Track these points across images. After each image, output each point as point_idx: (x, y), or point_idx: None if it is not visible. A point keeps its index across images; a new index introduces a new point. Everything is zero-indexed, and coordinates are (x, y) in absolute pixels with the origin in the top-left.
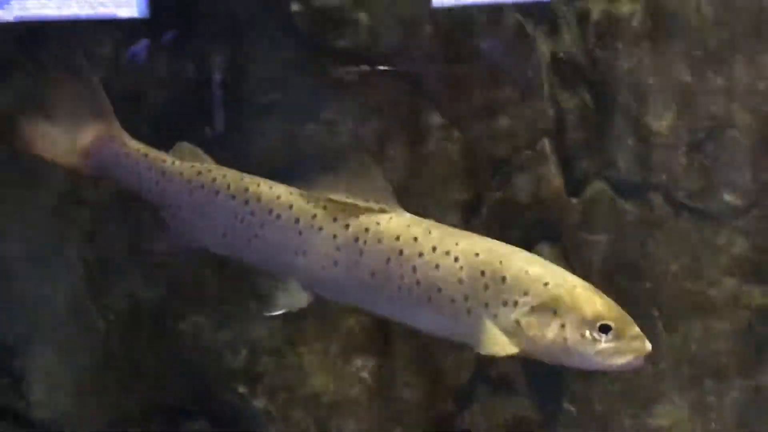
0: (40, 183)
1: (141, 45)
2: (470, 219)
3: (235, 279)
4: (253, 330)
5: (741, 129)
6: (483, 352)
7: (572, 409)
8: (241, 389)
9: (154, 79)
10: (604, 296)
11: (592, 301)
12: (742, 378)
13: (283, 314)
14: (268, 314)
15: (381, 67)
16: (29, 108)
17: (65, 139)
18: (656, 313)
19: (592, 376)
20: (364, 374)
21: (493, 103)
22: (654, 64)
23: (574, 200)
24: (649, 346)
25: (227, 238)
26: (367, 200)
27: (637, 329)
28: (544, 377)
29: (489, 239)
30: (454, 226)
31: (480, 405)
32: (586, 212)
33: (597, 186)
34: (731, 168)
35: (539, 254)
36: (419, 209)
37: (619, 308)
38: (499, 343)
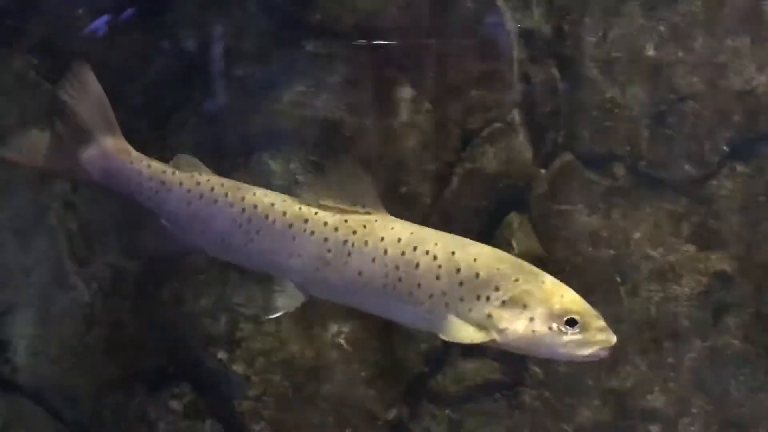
0: None
1: (102, 20)
2: (442, 189)
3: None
4: (232, 297)
5: (701, 101)
6: (447, 338)
7: (538, 371)
8: (221, 355)
9: (132, 53)
10: (572, 291)
11: (559, 295)
12: (700, 340)
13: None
14: (267, 317)
15: (358, 42)
16: (37, 122)
17: (71, 152)
18: (618, 279)
19: None
20: (340, 340)
21: (464, 76)
22: (619, 39)
23: (542, 171)
24: (614, 338)
25: (225, 243)
26: (354, 205)
27: (602, 322)
28: None
29: (464, 239)
30: (426, 195)
31: (451, 368)
32: (554, 183)
33: (564, 157)
34: (691, 139)
35: (509, 224)
36: (392, 179)
37: (586, 303)
38: (464, 333)
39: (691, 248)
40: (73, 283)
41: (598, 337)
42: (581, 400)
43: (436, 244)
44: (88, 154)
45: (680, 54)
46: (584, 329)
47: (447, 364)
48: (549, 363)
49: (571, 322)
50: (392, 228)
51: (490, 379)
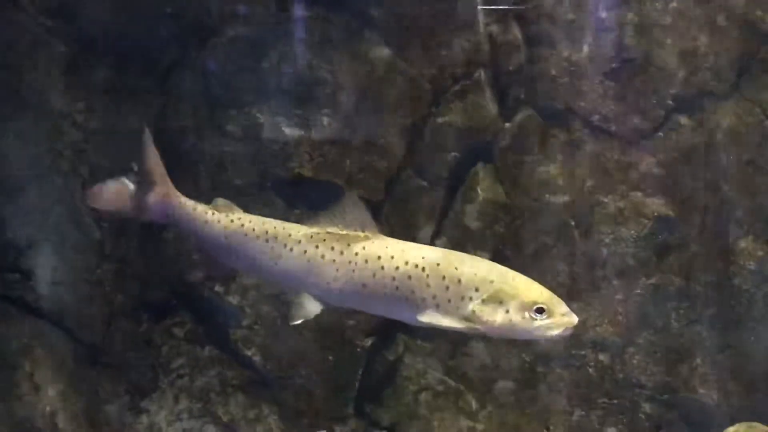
0: (37, 109)
1: None
2: (415, 142)
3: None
4: None
5: (649, 60)
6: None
7: None
8: (218, 288)
9: (135, 17)
10: (537, 284)
11: (528, 290)
12: (645, 277)
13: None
14: (291, 323)
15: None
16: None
17: (142, 199)
18: (573, 223)
19: None
20: None
21: (435, 37)
22: (575, 1)
23: (506, 125)
24: (575, 319)
25: (255, 267)
26: (355, 230)
27: (565, 308)
28: None
29: (447, 250)
30: (400, 147)
31: None
32: (516, 136)
33: (526, 112)
34: (640, 95)
35: (476, 173)
36: (370, 135)
37: (551, 293)
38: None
39: (638, 194)
40: (85, 222)
41: (563, 320)
42: None
43: (423, 257)
44: (152, 201)
45: (630, 16)
46: (551, 315)
47: None
48: None
49: (540, 310)
50: (387, 247)
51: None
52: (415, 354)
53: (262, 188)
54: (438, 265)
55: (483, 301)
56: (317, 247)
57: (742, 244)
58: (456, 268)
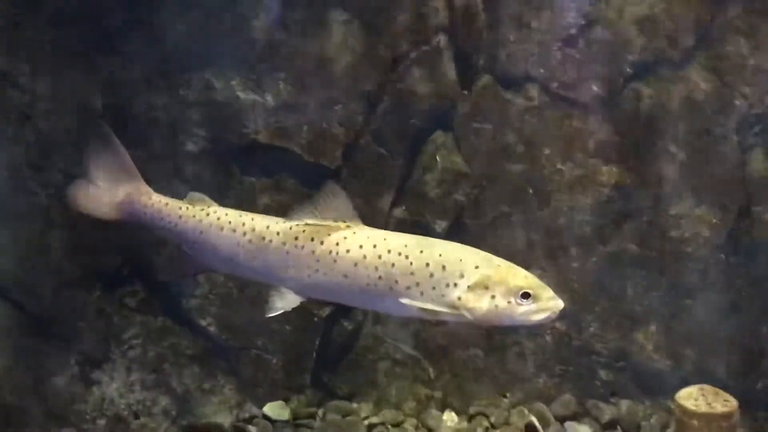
0: None
1: None
2: (373, 109)
3: (162, 160)
4: None
5: (607, 27)
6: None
7: None
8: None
9: None
10: (522, 270)
11: (513, 275)
12: (602, 245)
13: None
14: (268, 315)
15: None
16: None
17: (106, 199)
18: (531, 191)
19: (474, 245)
20: None
21: (394, 2)
22: None
23: (465, 92)
24: (561, 303)
25: (233, 262)
26: (336, 220)
27: (550, 292)
28: None
29: (429, 238)
30: (360, 113)
31: None
32: (475, 103)
33: (484, 79)
34: (598, 62)
35: (434, 141)
36: (327, 100)
37: (535, 278)
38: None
39: (596, 162)
40: (30, 188)
41: (548, 304)
42: None
43: (406, 245)
44: (119, 200)
45: None
46: (536, 299)
47: None
48: None
49: (525, 296)
50: (368, 237)
51: None
52: (375, 323)
53: (216, 154)
54: (421, 252)
55: (468, 287)
56: (296, 238)
57: (697, 212)
58: (440, 255)
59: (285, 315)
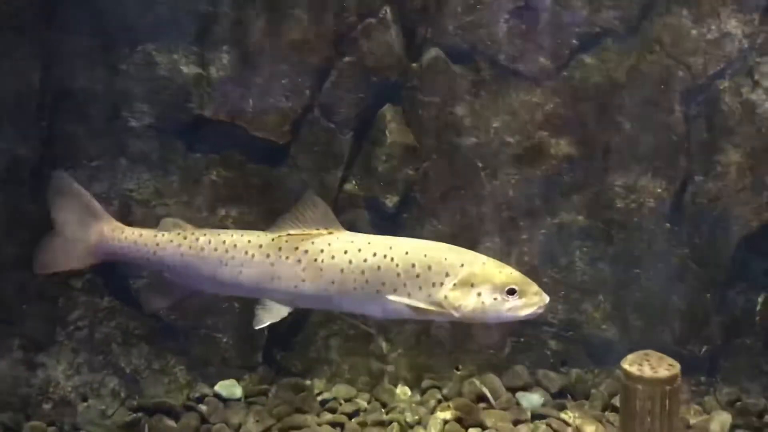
0: None
1: None
2: (320, 82)
3: (105, 136)
4: (124, 183)
5: None
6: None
7: None
8: None
9: None
10: (507, 266)
11: (498, 272)
12: (550, 217)
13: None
14: (257, 327)
15: None
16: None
17: (79, 247)
18: (480, 164)
19: (425, 219)
20: (228, 223)
21: None
22: None
23: (413, 65)
24: (546, 298)
25: (217, 280)
26: (317, 228)
27: (535, 287)
28: (386, 223)
29: (412, 239)
30: (307, 87)
31: None
32: (424, 76)
33: (433, 52)
34: (545, 34)
35: (383, 115)
36: (274, 73)
37: (520, 274)
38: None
39: (543, 134)
40: None
41: (534, 299)
42: None
43: (390, 248)
44: (92, 243)
45: None
46: (522, 295)
47: None
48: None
49: (511, 291)
50: (352, 242)
51: None
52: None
53: (160, 131)
54: (407, 253)
55: (455, 285)
56: (280, 249)
57: (643, 182)
58: (425, 255)
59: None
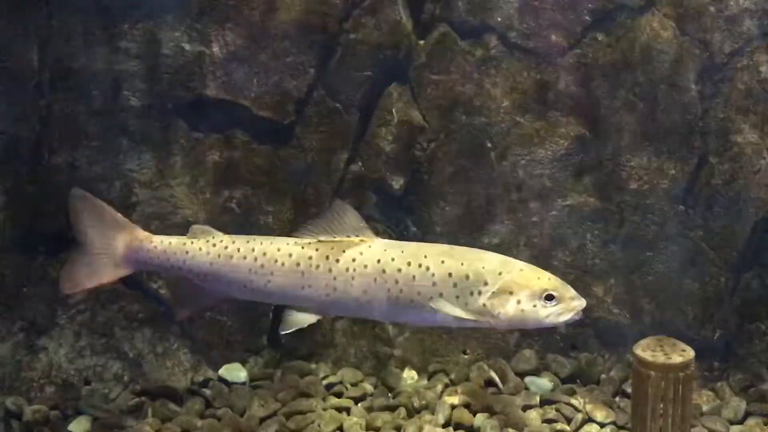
0: None
1: None
2: (326, 60)
3: (105, 116)
4: (125, 163)
5: None
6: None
7: (416, 230)
8: None
9: None
10: (545, 272)
11: (536, 278)
12: (561, 199)
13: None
14: (283, 332)
15: None
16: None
17: (107, 261)
18: (489, 144)
19: (432, 201)
20: (232, 204)
21: None
22: None
23: (421, 42)
24: (584, 302)
25: (248, 287)
26: (348, 236)
27: (573, 292)
28: (393, 205)
29: (447, 246)
30: (311, 66)
31: None
32: (431, 54)
33: (441, 29)
34: (557, 10)
35: (390, 94)
36: (277, 52)
37: (558, 279)
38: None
39: (555, 114)
40: None
41: (572, 304)
42: None
43: (425, 256)
44: (121, 255)
45: None
46: (561, 300)
47: None
48: (425, 223)
49: (550, 297)
50: (385, 250)
51: None
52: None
53: (163, 110)
54: (443, 262)
55: (493, 293)
56: (310, 258)
57: (656, 162)
58: (462, 264)
59: None
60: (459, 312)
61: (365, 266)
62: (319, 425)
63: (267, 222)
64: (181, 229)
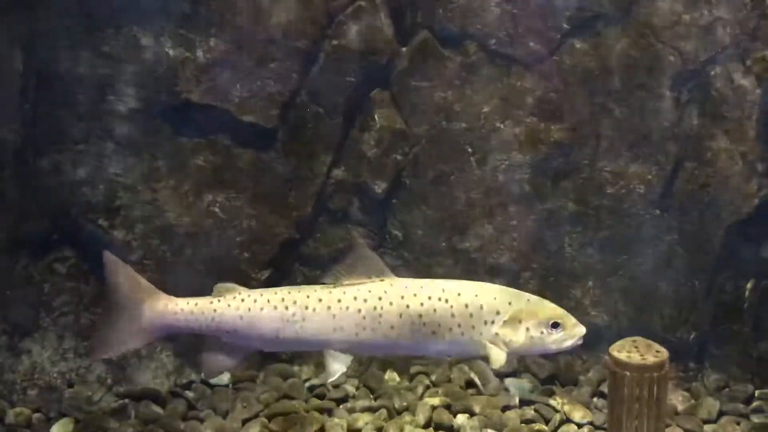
0: None
1: None
2: (309, 66)
3: (89, 120)
4: (109, 167)
5: None
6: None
7: (398, 234)
8: (101, 221)
9: None
10: (549, 302)
11: (543, 308)
12: (539, 203)
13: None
14: (329, 382)
15: None
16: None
17: (133, 328)
18: (469, 149)
19: (414, 205)
20: (215, 208)
21: None
22: None
23: (403, 49)
24: (584, 329)
25: (279, 338)
26: (371, 277)
27: (574, 320)
28: (375, 208)
29: (461, 281)
30: (294, 71)
31: (321, 234)
32: (413, 60)
33: (422, 35)
34: (536, 17)
35: (372, 100)
36: (261, 56)
37: (561, 308)
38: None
39: (533, 119)
40: None
41: (574, 331)
42: (436, 259)
43: (443, 290)
44: (147, 320)
45: None
46: (564, 328)
47: (317, 230)
48: (407, 226)
49: (555, 325)
50: (406, 287)
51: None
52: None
53: (147, 115)
54: (459, 295)
55: (504, 322)
56: (340, 301)
57: (633, 167)
58: (476, 296)
59: (222, 278)
60: (491, 347)
61: (391, 303)
62: (301, 426)
63: (251, 226)
64: (164, 233)
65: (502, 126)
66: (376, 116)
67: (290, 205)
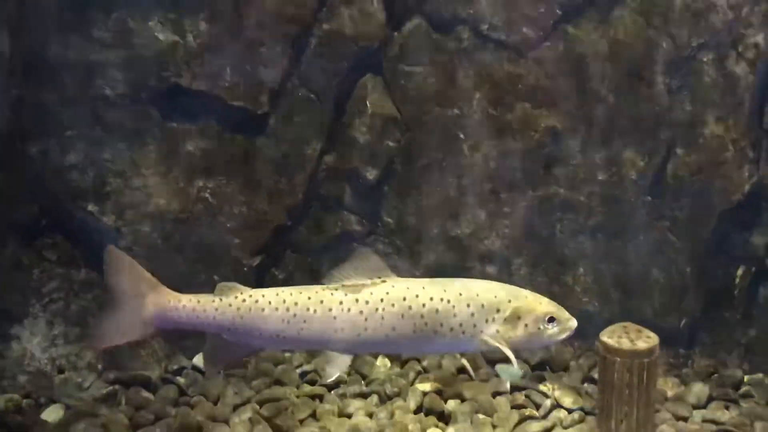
0: None
1: None
2: (300, 51)
3: (78, 105)
4: (99, 153)
5: None
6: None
7: (390, 221)
8: (91, 207)
9: None
10: (545, 298)
11: (539, 304)
12: (531, 190)
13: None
14: (327, 381)
15: None
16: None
17: (136, 320)
18: (462, 136)
19: (405, 192)
20: (206, 194)
21: None
22: None
23: (395, 34)
24: (575, 322)
25: (281, 338)
26: (372, 278)
27: (567, 314)
28: (367, 195)
29: (462, 280)
30: (285, 56)
31: (312, 220)
32: (405, 45)
33: (415, 21)
34: (528, 3)
35: (364, 85)
36: (252, 41)
37: (556, 304)
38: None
39: (526, 106)
40: None
41: (568, 325)
42: (428, 246)
43: (445, 290)
44: (150, 314)
45: None
46: (559, 323)
47: (308, 216)
48: (399, 214)
49: (551, 320)
50: (408, 288)
51: (347, 230)
52: (304, 272)
53: (136, 100)
54: (460, 294)
55: (504, 320)
56: (341, 302)
57: (625, 154)
58: (477, 295)
59: (213, 264)
60: (493, 342)
61: (392, 305)
62: (292, 412)
63: (242, 212)
64: (154, 219)
65: (494, 112)
66: (367, 102)
67: (282, 191)
